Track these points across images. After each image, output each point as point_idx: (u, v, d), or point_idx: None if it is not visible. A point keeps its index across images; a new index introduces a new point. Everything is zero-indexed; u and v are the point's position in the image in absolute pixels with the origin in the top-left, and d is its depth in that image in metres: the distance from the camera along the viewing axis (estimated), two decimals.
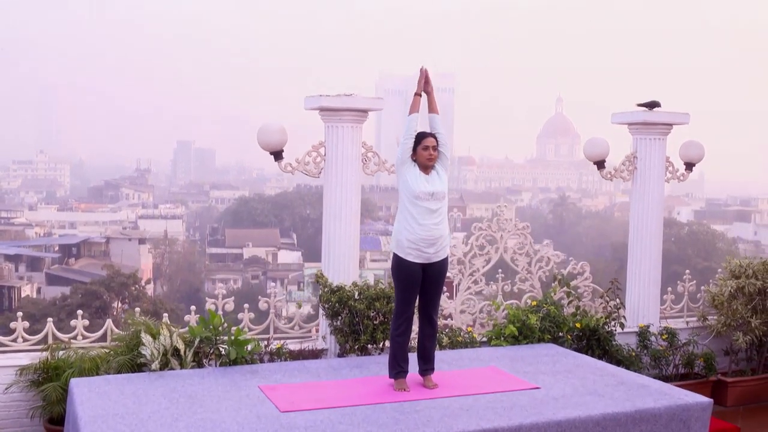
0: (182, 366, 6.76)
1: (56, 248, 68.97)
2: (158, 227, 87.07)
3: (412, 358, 6.48)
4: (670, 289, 9.79)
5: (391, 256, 6.31)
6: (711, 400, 6.25)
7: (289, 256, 78.97)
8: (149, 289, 53.90)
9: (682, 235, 74.39)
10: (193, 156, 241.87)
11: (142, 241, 70.43)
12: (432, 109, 6.34)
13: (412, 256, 6.15)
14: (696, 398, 6.24)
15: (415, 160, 6.20)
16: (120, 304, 44.54)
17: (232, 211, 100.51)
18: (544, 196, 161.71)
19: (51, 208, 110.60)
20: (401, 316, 6.26)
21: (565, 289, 8.93)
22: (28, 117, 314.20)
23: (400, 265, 6.20)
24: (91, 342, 7.60)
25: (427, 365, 6.43)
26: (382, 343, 7.57)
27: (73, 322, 7.58)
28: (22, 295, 52.13)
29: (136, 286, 44.98)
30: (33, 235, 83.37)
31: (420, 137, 6.19)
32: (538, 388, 6.40)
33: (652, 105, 9.14)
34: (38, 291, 57.42)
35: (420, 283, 6.23)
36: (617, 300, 8.90)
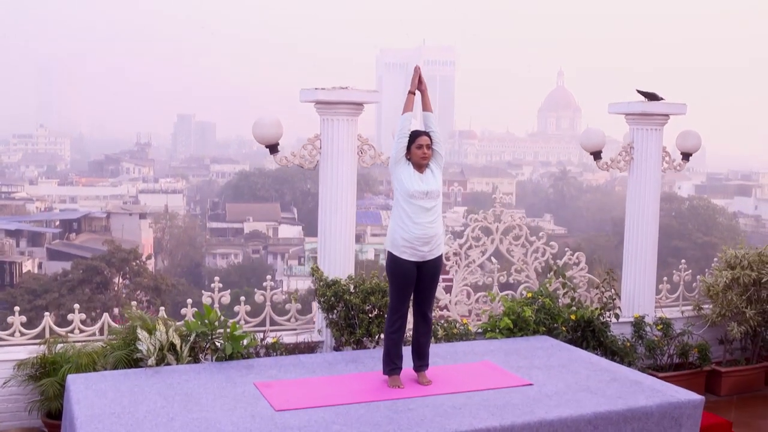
0: (178, 361, 6.81)
1: (57, 223, 69.06)
2: (159, 201, 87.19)
3: (407, 353, 6.52)
4: (665, 278, 9.82)
5: (386, 254, 6.33)
6: (702, 397, 6.29)
7: (289, 231, 79.14)
8: (150, 264, 54.04)
9: (683, 209, 74.41)
10: (194, 129, 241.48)
11: (142, 215, 70.51)
12: (426, 107, 6.34)
13: (407, 255, 6.17)
14: (688, 395, 6.28)
15: (409, 159, 6.21)
16: (121, 280, 44.71)
17: (233, 185, 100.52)
18: (545, 170, 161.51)
19: (52, 183, 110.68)
20: (396, 313, 6.30)
21: (560, 279, 8.95)
22: (27, 91, 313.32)
23: (394, 264, 6.22)
24: (87, 336, 7.62)
25: (421, 361, 6.47)
26: (377, 337, 7.61)
27: (70, 316, 7.63)
28: (24, 271, 52.28)
29: (137, 261, 45.09)
30: (34, 209, 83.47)
31: (414, 136, 6.18)
32: (531, 384, 6.44)
33: (652, 96, 9.09)
34: (39, 266, 57.60)
35: (415, 281, 6.25)
36: (612, 291, 8.93)
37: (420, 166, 6.19)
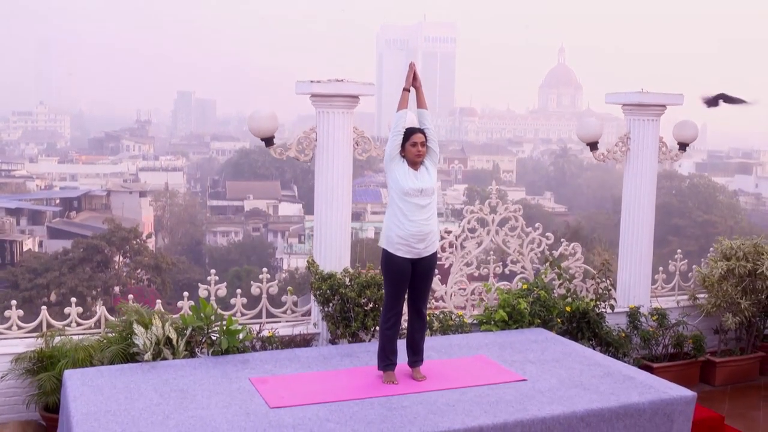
0: (175, 355, 6.84)
1: (57, 201, 69.11)
2: (159, 179, 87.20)
3: (402, 347, 6.54)
4: (661, 268, 9.84)
5: (381, 251, 6.35)
6: (694, 393, 6.34)
7: (289, 209, 79.24)
8: (150, 243, 54.13)
9: (683, 187, 74.38)
10: (194, 107, 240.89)
11: (142, 194, 70.61)
12: (421, 104, 6.34)
13: (402, 252, 6.19)
14: (680, 391, 6.32)
15: (403, 156, 6.21)
16: (121, 258, 44.83)
17: (233, 162, 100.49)
18: (546, 147, 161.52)
19: (52, 160, 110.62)
20: (391, 310, 6.32)
21: (556, 270, 8.97)
22: (27, 67, 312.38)
23: (389, 261, 6.24)
24: (84, 329, 7.65)
25: (416, 357, 6.51)
26: (372, 329, 7.65)
27: (67, 310, 7.64)
28: (24, 249, 52.39)
29: (137, 240, 45.21)
30: (34, 187, 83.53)
31: (408, 133, 6.18)
32: (524, 380, 6.48)
33: (718, 100, 9.06)
34: (40, 245, 57.71)
35: (409, 278, 6.28)
36: (608, 281, 8.96)
37: (414, 163, 6.20)
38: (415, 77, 6.28)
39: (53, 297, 40.48)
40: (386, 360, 6.37)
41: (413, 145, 6.16)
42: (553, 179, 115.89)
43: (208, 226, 76.46)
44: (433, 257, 6.37)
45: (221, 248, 66.44)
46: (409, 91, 6.26)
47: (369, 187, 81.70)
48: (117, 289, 42.42)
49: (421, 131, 6.21)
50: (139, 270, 44.45)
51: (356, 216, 67.01)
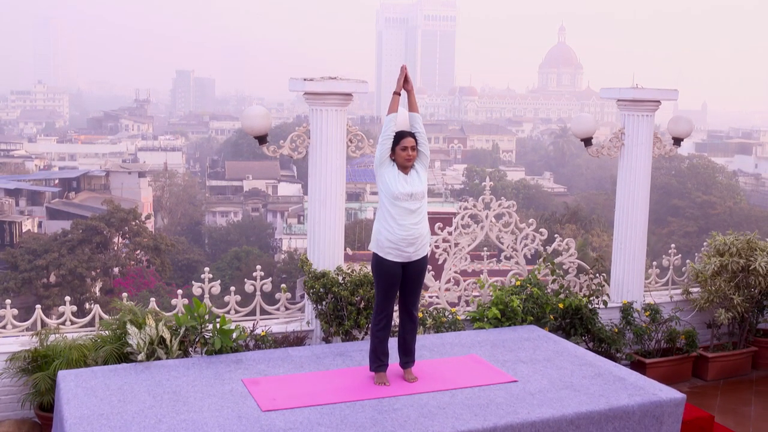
0: (168, 355, 6.87)
1: (56, 182, 69.03)
2: (158, 159, 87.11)
3: (394, 347, 6.58)
4: (655, 263, 9.87)
5: (371, 255, 6.37)
6: (684, 395, 6.37)
7: (288, 189, 79.18)
8: (150, 224, 54.16)
9: (683, 168, 74.28)
10: (193, 86, 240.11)
11: (141, 174, 70.47)
12: (412, 107, 6.32)
13: (392, 256, 6.20)
14: (670, 393, 6.36)
15: (393, 160, 6.22)
16: (120, 240, 44.89)
17: (232, 142, 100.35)
18: (545, 127, 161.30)
19: (50, 140, 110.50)
20: (381, 312, 6.35)
21: (549, 265, 9.00)
22: (25, 46, 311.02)
23: (379, 265, 6.26)
24: (79, 327, 7.69)
25: (407, 358, 6.54)
26: (365, 327, 7.68)
27: (61, 308, 7.67)
28: (23, 230, 52.41)
29: (137, 221, 45.24)
30: (33, 167, 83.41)
31: (399, 137, 6.17)
32: (515, 381, 6.52)
33: None
34: (39, 225, 57.72)
35: (400, 281, 6.30)
36: (601, 278, 8.99)
37: (405, 167, 6.20)
38: (406, 80, 6.27)
39: (52, 278, 40.59)
40: (378, 361, 6.41)
41: (403, 149, 6.15)
42: (552, 159, 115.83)
43: (208, 207, 76.47)
44: (424, 260, 6.38)
45: (220, 228, 66.53)
46: (399, 94, 6.24)
47: (369, 167, 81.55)
48: (116, 270, 42.56)
49: (412, 135, 6.20)
50: (139, 251, 44.55)
51: (355, 196, 66.97)
